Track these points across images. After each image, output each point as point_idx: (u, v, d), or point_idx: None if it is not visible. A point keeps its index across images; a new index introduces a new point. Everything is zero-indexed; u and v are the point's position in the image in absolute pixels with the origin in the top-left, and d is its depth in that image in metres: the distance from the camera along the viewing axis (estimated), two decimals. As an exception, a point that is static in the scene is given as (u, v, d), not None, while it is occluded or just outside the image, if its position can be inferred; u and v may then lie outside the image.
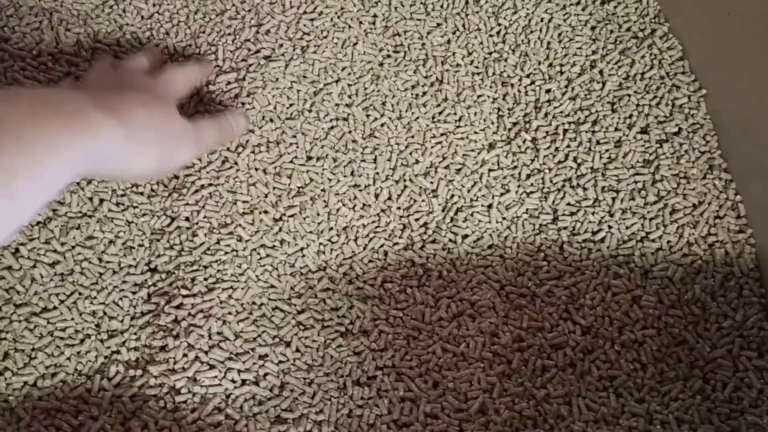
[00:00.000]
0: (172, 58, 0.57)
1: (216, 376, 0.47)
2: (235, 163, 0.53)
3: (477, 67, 0.59)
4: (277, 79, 0.56)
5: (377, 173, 0.55)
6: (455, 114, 0.57)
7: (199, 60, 0.56)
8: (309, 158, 0.55)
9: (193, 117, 0.52)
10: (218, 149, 0.54)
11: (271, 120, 0.55)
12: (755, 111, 0.53)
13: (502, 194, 0.55)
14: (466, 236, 0.53)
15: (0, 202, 0.33)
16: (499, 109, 0.58)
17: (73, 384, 0.47)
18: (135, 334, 0.48)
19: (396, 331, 0.50)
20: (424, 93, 0.58)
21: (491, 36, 0.61)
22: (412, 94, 0.58)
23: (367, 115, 0.56)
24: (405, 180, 0.55)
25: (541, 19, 0.62)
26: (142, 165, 0.43)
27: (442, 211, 0.54)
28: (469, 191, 0.55)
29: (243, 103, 0.55)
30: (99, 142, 0.38)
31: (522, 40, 0.61)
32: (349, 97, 0.57)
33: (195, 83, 0.53)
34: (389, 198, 0.54)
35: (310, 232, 0.52)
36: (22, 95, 0.37)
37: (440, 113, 0.57)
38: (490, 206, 0.54)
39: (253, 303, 0.50)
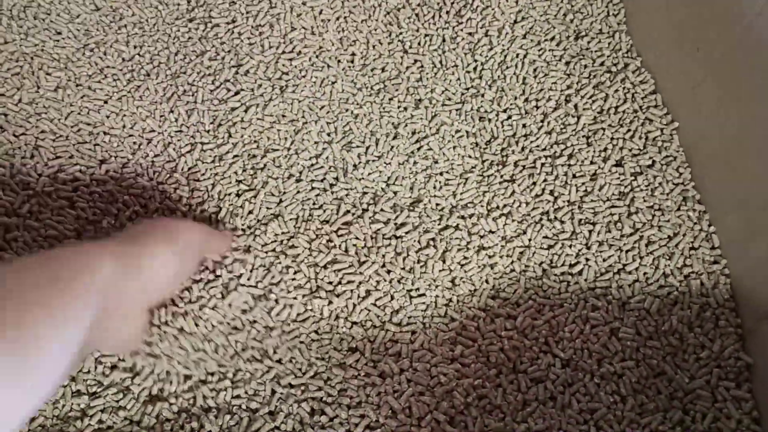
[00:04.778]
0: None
1: None
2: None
3: (455, 103, 0.60)
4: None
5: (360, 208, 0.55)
6: (432, 149, 0.58)
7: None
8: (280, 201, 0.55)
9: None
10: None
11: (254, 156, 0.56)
12: (727, 143, 0.54)
13: (480, 229, 0.55)
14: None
15: (14, 393, 0.30)
16: (476, 144, 0.59)
17: (52, 429, 0.47)
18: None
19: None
20: (404, 128, 0.59)
21: (468, 72, 0.62)
22: (390, 130, 0.59)
23: (347, 152, 0.57)
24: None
25: (517, 55, 0.63)
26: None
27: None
28: (447, 226, 0.55)
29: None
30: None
31: (498, 76, 0.62)
32: (328, 135, 0.58)
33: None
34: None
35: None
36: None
37: (419, 149, 0.58)
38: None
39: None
